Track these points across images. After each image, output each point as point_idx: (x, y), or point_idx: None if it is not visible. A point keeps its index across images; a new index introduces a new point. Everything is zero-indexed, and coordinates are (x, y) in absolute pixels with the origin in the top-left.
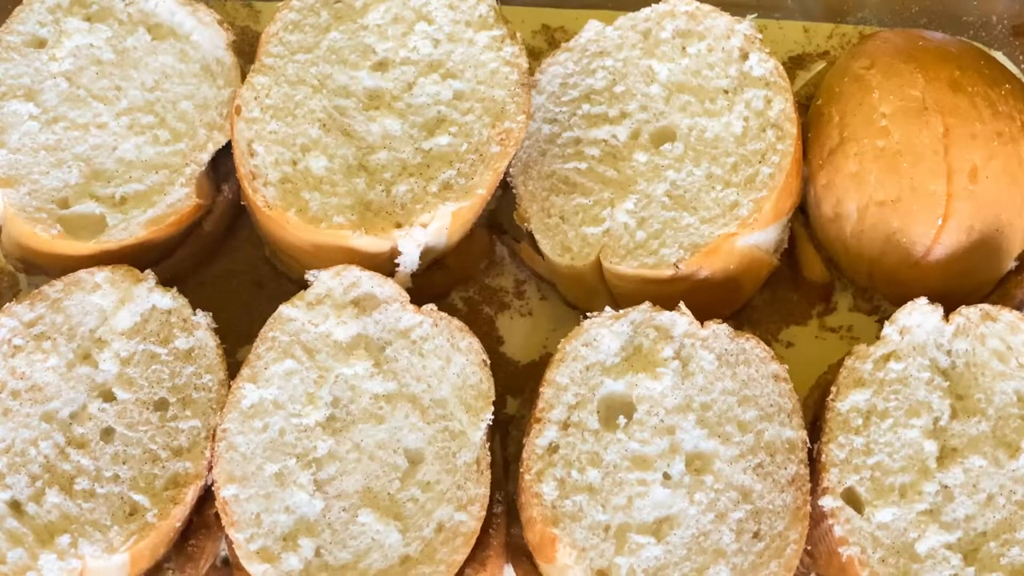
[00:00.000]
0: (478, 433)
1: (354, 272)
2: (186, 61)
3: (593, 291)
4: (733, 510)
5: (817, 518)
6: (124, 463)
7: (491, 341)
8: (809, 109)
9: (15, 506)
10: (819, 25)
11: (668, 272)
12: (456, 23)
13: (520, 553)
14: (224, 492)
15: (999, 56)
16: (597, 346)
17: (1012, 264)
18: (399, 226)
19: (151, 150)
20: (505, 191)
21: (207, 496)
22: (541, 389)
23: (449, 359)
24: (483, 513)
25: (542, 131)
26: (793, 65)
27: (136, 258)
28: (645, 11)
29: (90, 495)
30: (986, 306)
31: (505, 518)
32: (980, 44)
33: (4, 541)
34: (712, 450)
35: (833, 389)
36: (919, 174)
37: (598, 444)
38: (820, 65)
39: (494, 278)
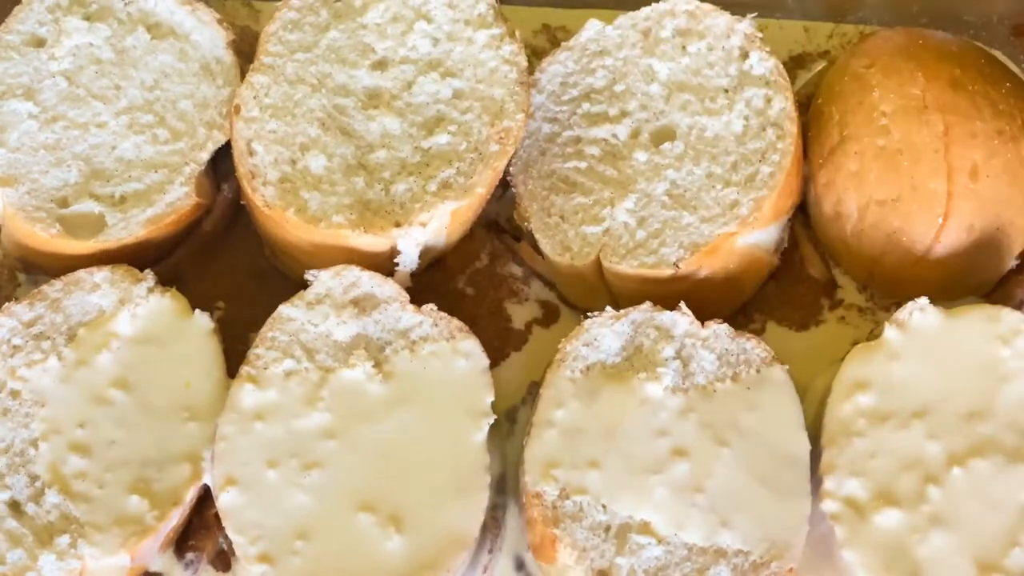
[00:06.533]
0: (478, 434)
1: (354, 272)
2: (185, 60)
3: (593, 290)
4: (734, 511)
5: (818, 520)
6: (123, 464)
7: (500, 319)
8: (809, 108)
9: (15, 506)
10: (819, 24)
11: (668, 271)
12: (455, 22)
13: None
14: (223, 494)
15: (999, 55)
16: (598, 346)
17: (1013, 263)
18: (398, 225)
19: (150, 149)
20: (505, 190)
21: (207, 496)
22: (542, 390)
23: (449, 359)
24: (483, 514)
25: (542, 130)
26: (793, 65)
27: (136, 257)
28: (645, 10)
29: (89, 496)
30: (986, 306)
31: (505, 519)
32: (980, 44)
33: (4, 541)
34: (713, 451)
35: (834, 390)
36: (920, 173)
37: (599, 445)
38: (820, 65)
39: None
